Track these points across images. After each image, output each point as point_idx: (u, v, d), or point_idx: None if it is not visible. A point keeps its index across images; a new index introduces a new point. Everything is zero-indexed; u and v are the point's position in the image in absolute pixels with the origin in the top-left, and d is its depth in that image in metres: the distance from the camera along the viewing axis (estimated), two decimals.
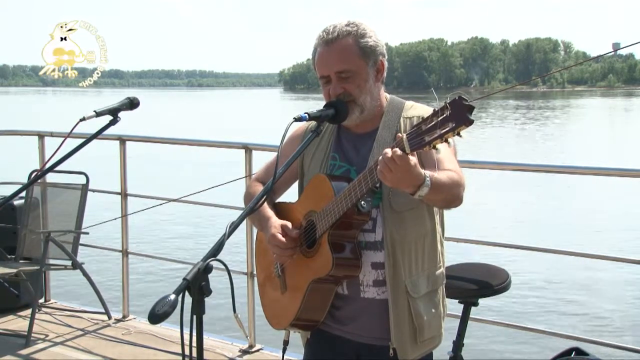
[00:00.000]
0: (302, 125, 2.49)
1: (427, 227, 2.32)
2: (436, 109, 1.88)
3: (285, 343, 2.58)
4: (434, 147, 1.88)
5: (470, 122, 1.80)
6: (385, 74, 2.35)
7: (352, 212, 2.18)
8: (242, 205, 2.73)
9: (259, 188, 2.53)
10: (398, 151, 1.91)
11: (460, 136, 1.83)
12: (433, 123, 1.87)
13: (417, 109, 2.35)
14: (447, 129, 1.83)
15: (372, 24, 2.32)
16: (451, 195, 2.12)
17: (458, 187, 2.14)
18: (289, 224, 2.34)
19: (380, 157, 1.95)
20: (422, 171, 1.98)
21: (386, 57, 2.35)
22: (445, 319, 2.42)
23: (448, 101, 1.84)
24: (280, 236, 2.31)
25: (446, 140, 1.85)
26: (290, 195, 2.55)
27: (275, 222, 2.36)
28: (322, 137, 2.40)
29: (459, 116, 1.81)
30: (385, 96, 2.38)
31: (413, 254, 2.29)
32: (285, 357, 2.62)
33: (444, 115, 1.84)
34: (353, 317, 2.34)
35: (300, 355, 2.58)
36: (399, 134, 1.97)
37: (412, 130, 1.92)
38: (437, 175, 2.03)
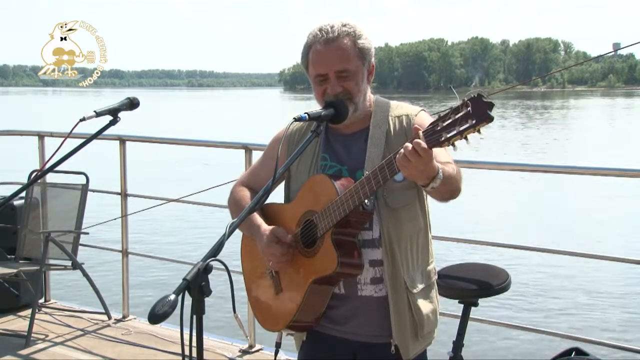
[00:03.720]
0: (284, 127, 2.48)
1: (420, 223, 2.35)
2: (454, 107, 1.89)
3: (278, 345, 2.56)
4: (453, 144, 1.90)
5: (491, 119, 1.83)
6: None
7: (357, 210, 2.19)
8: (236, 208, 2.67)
9: (244, 193, 2.53)
10: (423, 143, 1.92)
11: (480, 133, 1.86)
12: (451, 120, 1.88)
13: (403, 108, 2.39)
14: (467, 126, 1.85)
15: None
16: (456, 186, 2.17)
17: (460, 179, 2.20)
18: (281, 230, 2.33)
19: (402, 150, 1.96)
20: (436, 163, 2.01)
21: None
22: (439, 313, 2.45)
23: (467, 98, 1.86)
24: (275, 245, 2.30)
25: (465, 138, 1.87)
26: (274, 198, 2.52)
27: (267, 231, 2.34)
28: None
29: (479, 113, 1.84)
30: (371, 97, 2.40)
31: (409, 250, 2.31)
32: (283, 357, 2.60)
33: (464, 112, 1.86)
34: (350, 316, 2.34)
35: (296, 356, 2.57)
36: (417, 127, 1.97)
37: (429, 127, 1.94)
38: (446, 167, 2.07)
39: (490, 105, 1.83)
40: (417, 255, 2.35)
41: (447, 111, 1.91)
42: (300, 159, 2.39)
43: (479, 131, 1.85)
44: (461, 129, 1.86)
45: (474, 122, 1.84)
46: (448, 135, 1.88)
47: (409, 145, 1.95)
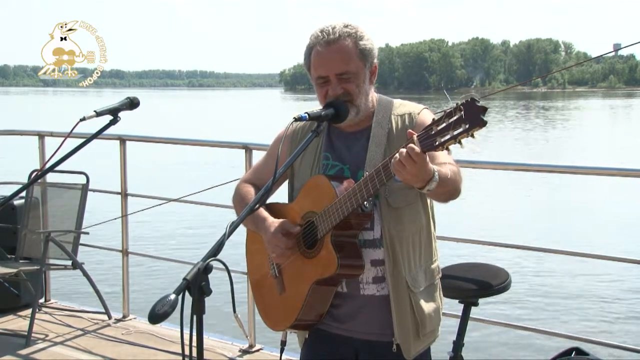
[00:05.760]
0: (285, 127, 2.48)
1: (422, 222, 2.35)
2: (447, 111, 1.88)
3: (283, 344, 2.57)
4: (447, 149, 1.90)
5: (484, 124, 1.82)
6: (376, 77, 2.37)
7: (355, 212, 2.19)
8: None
9: (249, 189, 2.54)
10: (417, 148, 1.92)
11: (474, 137, 1.85)
12: (445, 125, 1.88)
13: (406, 107, 2.38)
14: (460, 130, 1.84)
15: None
16: (454, 188, 2.16)
17: (459, 180, 2.19)
18: (290, 224, 2.33)
19: (397, 155, 1.97)
20: (431, 166, 2.00)
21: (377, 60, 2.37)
22: (442, 312, 2.45)
23: (460, 102, 1.85)
24: (281, 236, 2.31)
25: (459, 142, 1.86)
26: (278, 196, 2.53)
27: (274, 222, 2.36)
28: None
29: (472, 117, 1.82)
30: (374, 96, 2.39)
31: (411, 250, 2.31)
32: (284, 357, 2.61)
33: (457, 116, 1.85)
34: (352, 314, 2.34)
35: (299, 355, 2.57)
36: (411, 131, 1.98)
37: (423, 132, 1.93)
38: (442, 169, 2.06)
39: (484, 110, 1.82)
40: (420, 255, 2.34)
41: (440, 115, 1.91)
42: (303, 158, 2.40)
43: (472, 135, 1.84)
44: (454, 133, 1.85)
45: (467, 126, 1.83)
46: (442, 140, 1.88)
47: (403, 150, 1.95)
